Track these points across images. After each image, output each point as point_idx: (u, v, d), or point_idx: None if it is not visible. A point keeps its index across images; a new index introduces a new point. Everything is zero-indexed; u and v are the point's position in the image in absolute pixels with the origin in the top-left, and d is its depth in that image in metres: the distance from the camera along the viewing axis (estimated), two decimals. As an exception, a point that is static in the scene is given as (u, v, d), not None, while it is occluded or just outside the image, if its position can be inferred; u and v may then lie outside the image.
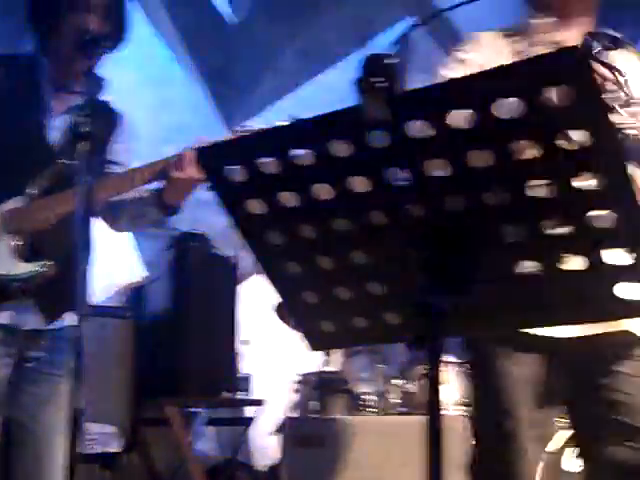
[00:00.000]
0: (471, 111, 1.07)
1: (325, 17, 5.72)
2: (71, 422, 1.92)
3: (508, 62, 2.03)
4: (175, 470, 4.11)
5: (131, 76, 4.90)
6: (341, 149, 1.21)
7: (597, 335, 1.93)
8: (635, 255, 1.14)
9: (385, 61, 1.10)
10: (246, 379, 4.65)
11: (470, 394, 2.12)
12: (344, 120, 1.18)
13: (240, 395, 4.54)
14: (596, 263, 1.16)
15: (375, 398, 4.00)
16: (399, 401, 3.93)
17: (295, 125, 1.33)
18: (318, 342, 1.51)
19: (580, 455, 2.13)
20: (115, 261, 4.33)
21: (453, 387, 3.70)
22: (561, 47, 1.02)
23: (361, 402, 3.99)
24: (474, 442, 2.04)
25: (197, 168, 2.27)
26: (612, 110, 1.71)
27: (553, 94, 1.05)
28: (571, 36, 2.05)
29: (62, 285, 2.25)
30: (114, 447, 3.93)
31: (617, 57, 1.95)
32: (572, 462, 3.13)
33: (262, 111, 5.55)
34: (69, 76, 2.42)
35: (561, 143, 1.08)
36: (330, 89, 4.82)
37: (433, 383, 1.26)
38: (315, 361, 4.24)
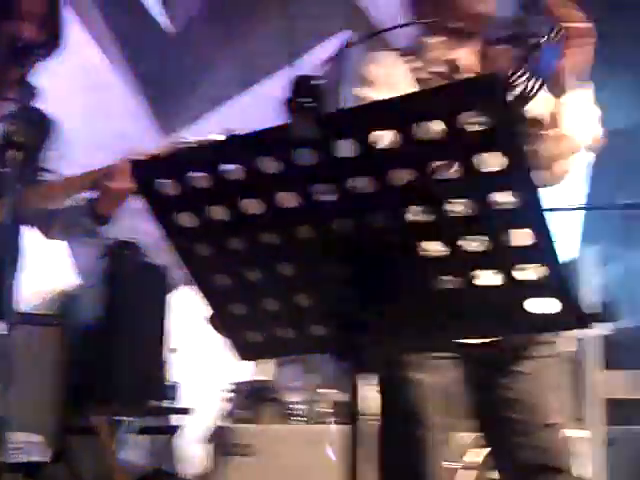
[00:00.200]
0: (394, 132, 1.13)
1: (263, 28, 5.75)
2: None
3: (406, 81, 2.11)
4: (102, 479, 4.08)
5: (65, 82, 4.86)
6: (270, 165, 1.25)
7: (500, 339, 2.02)
8: (546, 271, 1.21)
9: (313, 82, 1.14)
10: (174, 387, 4.65)
11: (380, 401, 2.17)
12: (273, 138, 1.22)
13: (168, 403, 4.54)
14: (509, 279, 1.23)
15: (305, 407, 4.04)
16: (329, 410, 3.98)
17: (226, 141, 1.37)
18: (246, 352, 1.55)
19: (490, 455, 2.22)
20: (48, 268, 4.29)
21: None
22: (481, 74, 1.08)
23: (291, 411, 4.02)
24: (383, 449, 2.09)
25: (130, 179, 2.29)
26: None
27: (472, 118, 1.11)
28: (464, 54, 2.11)
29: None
30: (40, 456, 3.89)
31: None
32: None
33: (198, 120, 5.56)
34: (2, 84, 2.42)
35: (479, 162, 1.14)
36: (266, 100, 4.85)
37: (354, 393, 1.31)
38: (246, 370, 4.26)
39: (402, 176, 1.18)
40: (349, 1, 5.83)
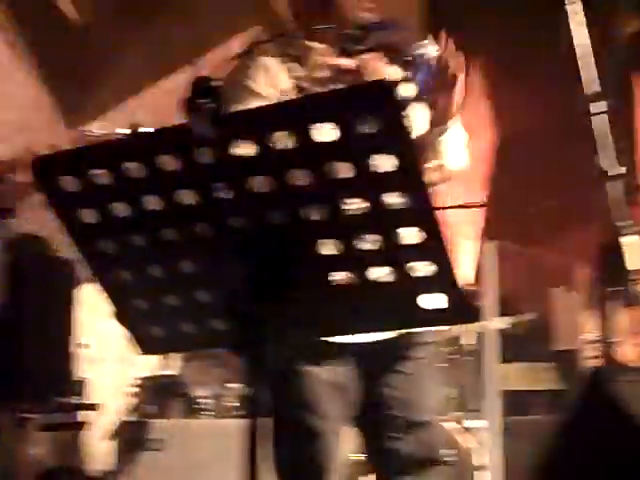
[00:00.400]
0: (291, 133, 1.17)
1: (172, 22, 5.72)
2: None
3: (288, 86, 2.20)
4: (6, 476, 4.01)
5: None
6: (170, 164, 1.28)
7: (384, 339, 2.12)
8: (436, 268, 1.26)
9: (212, 83, 1.17)
10: (81, 383, 4.59)
11: (275, 395, 2.21)
12: (173, 137, 1.24)
13: (75, 400, 4.48)
14: (402, 275, 1.28)
15: (213, 401, 4.06)
16: (236, 404, 4.01)
17: (127, 139, 1.39)
18: (148, 346, 1.56)
19: (364, 451, 2.31)
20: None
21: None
22: (373, 80, 1.13)
23: (198, 405, 4.04)
24: (277, 441, 2.14)
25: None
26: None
27: (366, 121, 1.16)
28: (346, 60, 2.21)
29: None
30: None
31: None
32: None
33: (105, 113, 5.49)
34: None
35: (373, 165, 1.19)
36: (174, 94, 4.83)
37: (253, 387, 1.34)
38: (153, 365, 4.25)
39: (298, 176, 1.22)
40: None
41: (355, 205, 1.25)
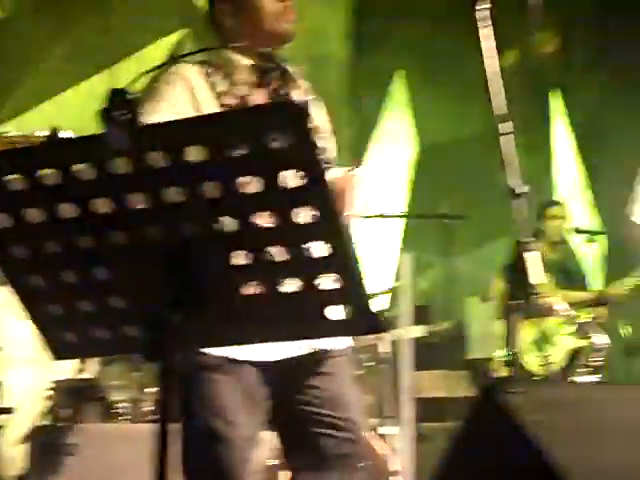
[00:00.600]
0: (203, 147, 1.20)
1: (94, 22, 5.67)
2: None
3: (207, 97, 2.25)
4: None
5: None
6: (87, 172, 1.30)
7: (295, 357, 2.20)
8: (342, 280, 1.31)
9: (128, 95, 1.20)
10: (-5, 386, 4.52)
11: (185, 400, 2.24)
12: (89, 146, 1.27)
13: (-12, 403, 4.41)
14: (310, 287, 1.33)
15: (130, 405, 4.04)
16: (153, 409, 4.00)
17: (42, 146, 1.40)
18: (61, 351, 1.57)
19: (284, 453, 2.37)
20: None
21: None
22: (285, 100, 1.18)
23: (115, 410, 4.02)
24: (187, 447, 2.17)
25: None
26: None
27: (276, 138, 1.20)
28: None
29: None
30: None
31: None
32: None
33: (23, 113, 5.41)
34: None
35: (282, 180, 1.23)
36: (93, 97, 4.80)
37: (165, 393, 1.37)
38: (70, 368, 4.21)
39: (211, 189, 1.26)
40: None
41: (265, 218, 1.29)
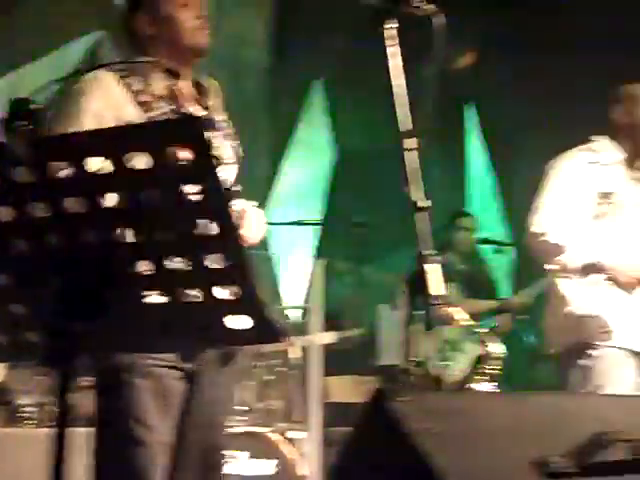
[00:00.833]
0: (105, 159, 1.23)
1: (13, 19, 5.58)
2: None
3: (127, 104, 2.30)
4: None
5: None
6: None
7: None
8: (240, 291, 1.35)
9: (31, 106, 1.22)
10: None
11: (102, 405, 2.26)
12: (-10, 154, 1.28)
13: None
14: (209, 297, 1.36)
15: (35, 410, 3.99)
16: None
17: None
18: (-40, 357, 1.57)
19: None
20: None
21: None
22: (187, 115, 1.21)
23: (20, 414, 3.96)
24: (102, 450, 2.19)
25: None
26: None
27: (178, 152, 1.23)
28: (184, 84, 2.34)
29: None
30: None
31: None
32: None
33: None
34: None
35: (183, 193, 1.26)
36: (12, 92, 4.72)
37: (63, 398, 1.39)
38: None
39: (113, 199, 1.28)
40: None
41: (166, 230, 1.32)
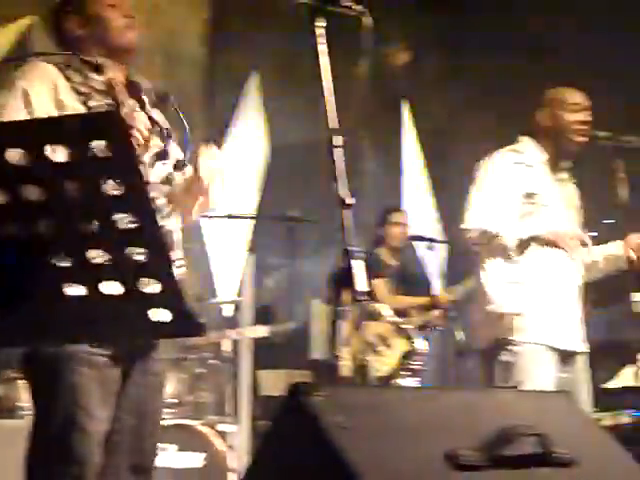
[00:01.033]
0: (24, 151, 1.23)
1: None
2: None
3: (65, 95, 2.32)
4: None
5: None
6: None
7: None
8: (166, 285, 1.36)
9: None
10: None
11: (44, 393, 2.27)
12: None
13: None
14: (133, 290, 1.37)
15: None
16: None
17: None
18: None
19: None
20: None
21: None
22: (106, 110, 1.21)
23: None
24: (42, 433, 2.22)
25: None
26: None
27: (101, 146, 1.24)
28: (118, 75, 2.37)
29: None
30: None
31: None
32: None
33: None
34: None
35: (103, 187, 1.27)
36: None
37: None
38: None
39: (33, 191, 1.28)
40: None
41: (88, 221, 1.33)
